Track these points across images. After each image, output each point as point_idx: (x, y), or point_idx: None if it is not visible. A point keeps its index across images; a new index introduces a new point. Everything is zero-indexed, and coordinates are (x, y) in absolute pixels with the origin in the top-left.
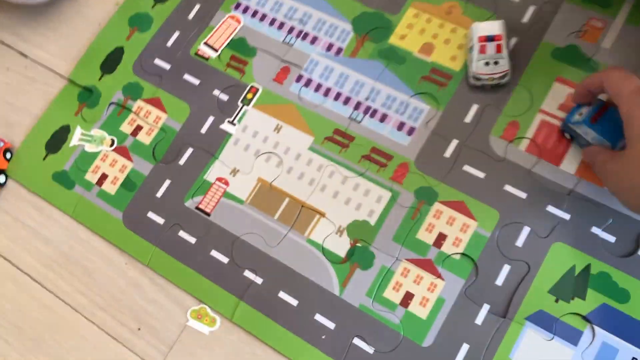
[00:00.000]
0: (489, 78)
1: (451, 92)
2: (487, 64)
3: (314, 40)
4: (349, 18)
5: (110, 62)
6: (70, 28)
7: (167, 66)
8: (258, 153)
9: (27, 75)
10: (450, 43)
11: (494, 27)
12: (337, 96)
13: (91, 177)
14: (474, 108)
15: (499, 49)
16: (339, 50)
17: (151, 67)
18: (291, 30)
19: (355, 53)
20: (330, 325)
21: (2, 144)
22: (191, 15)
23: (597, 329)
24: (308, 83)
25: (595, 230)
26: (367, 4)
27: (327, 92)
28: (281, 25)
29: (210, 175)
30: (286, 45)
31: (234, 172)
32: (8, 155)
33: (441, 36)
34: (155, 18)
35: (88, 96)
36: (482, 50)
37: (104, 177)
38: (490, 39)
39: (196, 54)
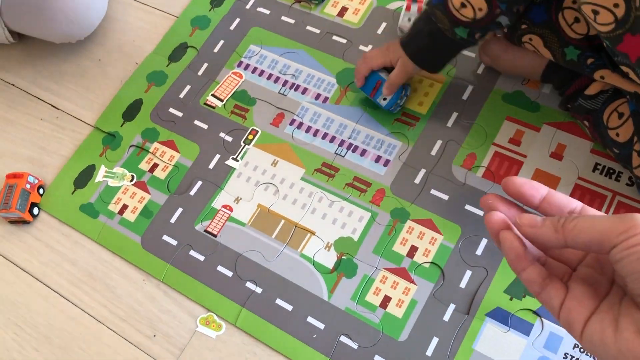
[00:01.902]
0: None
1: (419, 131)
2: (409, 19)
3: (304, 91)
4: (333, 73)
5: (131, 111)
6: (95, 84)
7: (180, 114)
8: (258, 184)
9: (58, 124)
10: (418, 91)
11: None
12: (325, 135)
13: (114, 207)
14: (439, 143)
15: (419, 9)
16: (326, 99)
17: (166, 115)
18: (285, 83)
19: (339, 101)
20: (320, 325)
21: (36, 181)
22: (200, 72)
23: (545, 321)
24: (300, 125)
25: None
26: (349, 60)
27: (316, 132)
28: (277, 80)
29: (217, 203)
30: (281, 95)
31: (237, 200)
32: (41, 191)
33: (410, 86)
34: (170, 74)
35: (111, 140)
36: (408, 8)
37: (124, 207)
38: (414, 0)
39: (205, 103)
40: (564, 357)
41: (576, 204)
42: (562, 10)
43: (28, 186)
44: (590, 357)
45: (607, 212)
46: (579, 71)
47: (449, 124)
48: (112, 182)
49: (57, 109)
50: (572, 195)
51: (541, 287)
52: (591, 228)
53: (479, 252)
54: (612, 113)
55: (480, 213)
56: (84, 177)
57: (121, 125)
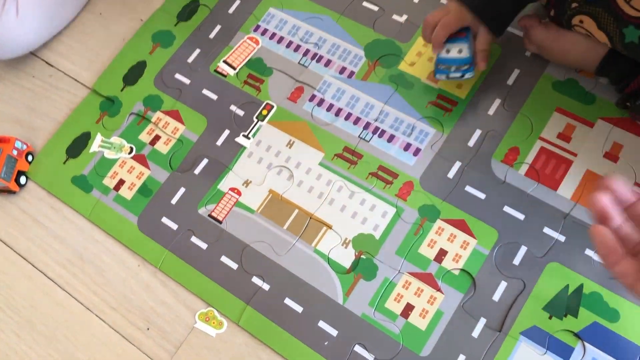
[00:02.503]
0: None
1: (456, 117)
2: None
3: (327, 63)
4: (362, 44)
5: (133, 75)
6: (96, 41)
7: (187, 81)
8: (270, 166)
9: (51, 84)
10: None
11: None
12: (348, 116)
13: (109, 182)
14: (477, 133)
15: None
16: (351, 74)
17: (172, 81)
18: (306, 52)
19: (366, 77)
20: (333, 332)
21: (25, 147)
22: (212, 35)
23: (587, 345)
24: (320, 103)
25: (588, 252)
26: (380, 31)
27: (339, 112)
28: (297, 48)
29: (224, 185)
30: (301, 67)
31: (247, 183)
32: (30, 158)
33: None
34: (178, 35)
35: (110, 106)
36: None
37: (121, 182)
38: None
39: (215, 70)
40: None
41: None
42: None
43: (15, 152)
44: None
45: None
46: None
47: (491, 111)
48: (108, 154)
49: (51, 65)
50: None
51: (636, 280)
52: None
53: (516, 261)
54: None
55: (521, 216)
56: (78, 146)
57: (121, 90)
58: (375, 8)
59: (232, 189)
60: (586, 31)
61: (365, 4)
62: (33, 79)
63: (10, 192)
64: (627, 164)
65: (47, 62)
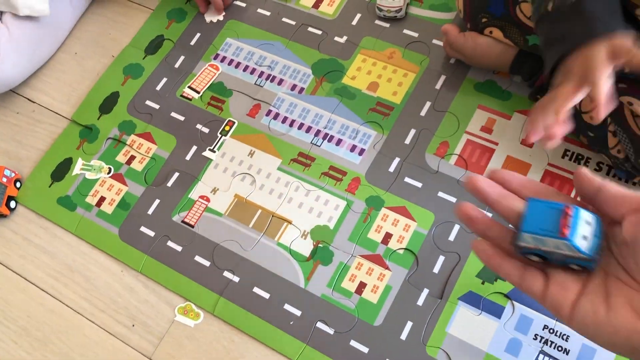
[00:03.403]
0: (387, 10)
1: (393, 120)
2: None
3: (280, 82)
4: (309, 64)
5: (108, 104)
6: (72, 77)
7: (156, 106)
8: (235, 174)
9: (34, 118)
10: (392, 81)
11: None
12: (301, 126)
13: (91, 200)
14: (412, 132)
15: None
16: (302, 90)
17: (143, 107)
18: (261, 74)
19: (314, 91)
20: (297, 312)
21: (13, 174)
22: (177, 64)
23: (516, 304)
24: (276, 116)
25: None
26: (324, 51)
27: (292, 123)
28: (253, 71)
29: (194, 194)
30: (257, 87)
31: (214, 190)
32: (18, 185)
33: (384, 76)
34: (146, 67)
35: (88, 133)
36: None
37: (102, 199)
38: None
39: (181, 95)
40: (534, 338)
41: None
42: (518, 4)
43: (4, 180)
44: (560, 337)
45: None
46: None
47: (423, 113)
48: (89, 175)
49: (33, 102)
50: (542, 180)
51: (520, 279)
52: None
53: (451, 238)
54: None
55: (453, 199)
56: (61, 170)
57: (98, 118)
58: (319, 32)
59: (202, 197)
60: (495, 39)
61: (310, 29)
62: (17, 115)
63: (2, 215)
64: (541, 148)
65: (29, 99)
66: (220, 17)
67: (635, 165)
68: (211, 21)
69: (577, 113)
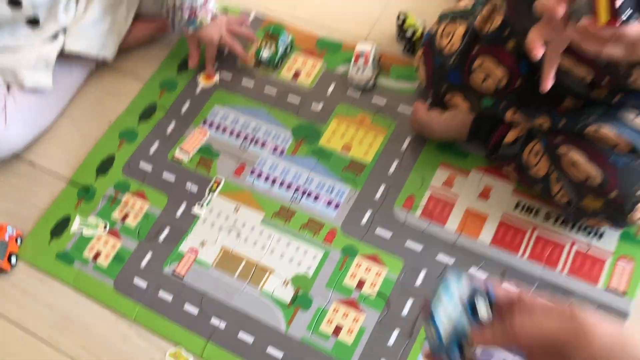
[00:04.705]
0: (358, 81)
1: (365, 177)
2: (356, 70)
3: (263, 144)
4: (289, 128)
5: (104, 166)
6: (71, 141)
7: (149, 168)
8: (221, 228)
9: (36, 179)
10: (363, 143)
11: (365, 47)
12: (282, 183)
13: (88, 254)
14: (382, 187)
15: (365, 62)
16: (282, 151)
17: (137, 168)
18: (246, 137)
19: (294, 152)
20: (279, 354)
21: (14, 232)
22: (169, 130)
23: None
24: (259, 175)
25: (472, 269)
26: (303, 117)
27: (274, 180)
28: (238, 135)
29: (184, 247)
30: (242, 149)
31: (203, 243)
32: (19, 241)
33: (357, 139)
34: (140, 132)
35: (85, 193)
36: (355, 60)
37: (98, 254)
38: (361, 54)
39: (173, 157)
40: None
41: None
42: (471, 73)
43: (7, 237)
44: None
45: (527, 245)
46: (496, 115)
47: (391, 171)
48: (86, 231)
49: (34, 165)
50: (497, 230)
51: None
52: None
53: (418, 282)
54: (530, 153)
55: (420, 247)
56: (60, 228)
57: (95, 179)
58: (298, 100)
59: (191, 249)
60: (455, 104)
61: (289, 98)
62: (20, 177)
63: (3, 271)
64: (496, 201)
65: (31, 162)
66: (215, 80)
67: (578, 206)
68: (202, 89)
69: (526, 168)
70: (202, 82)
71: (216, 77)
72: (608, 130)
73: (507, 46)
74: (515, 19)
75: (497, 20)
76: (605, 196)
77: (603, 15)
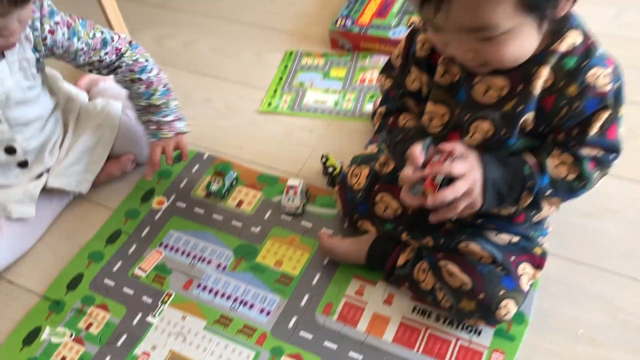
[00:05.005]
0: (289, 208)
1: (292, 288)
2: (288, 200)
3: (209, 261)
4: (231, 247)
5: (74, 283)
6: (46, 262)
7: (112, 283)
8: (170, 334)
9: (12, 295)
10: (292, 259)
11: (295, 182)
12: (223, 295)
13: (54, 359)
14: (306, 297)
15: (295, 193)
16: (225, 267)
17: (101, 284)
18: (195, 256)
19: (234, 269)
20: None
21: None
22: (130, 251)
23: None
24: (204, 288)
25: None
26: (243, 238)
27: (217, 292)
28: (188, 254)
29: (138, 351)
30: (191, 266)
31: (154, 347)
32: None
33: (287, 255)
34: (106, 254)
35: (56, 306)
36: (287, 191)
37: (63, 358)
38: (291, 187)
39: (132, 274)
40: None
41: None
42: (375, 204)
43: None
44: None
45: (421, 341)
46: (394, 236)
47: (314, 282)
48: (54, 339)
49: (13, 283)
50: (398, 330)
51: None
52: None
53: None
54: (419, 271)
55: (335, 347)
56: (31, 337)
57: (65, 294)
58: (240, 224)
59: (144, 353)
60: (365, 228)
61: (233, 222)
62: None
63: None
64: (398, 305)
65: (9, 280)
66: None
67: (457, 308)
68: (160, 215)
69: (417, 284)
70: (156, 205)
71: (165, 204)
72: (475, 246)
73: (399, 185)
74: (400, 167)
75: (391, 165)
76: (476, 298)
77: (430, 195)
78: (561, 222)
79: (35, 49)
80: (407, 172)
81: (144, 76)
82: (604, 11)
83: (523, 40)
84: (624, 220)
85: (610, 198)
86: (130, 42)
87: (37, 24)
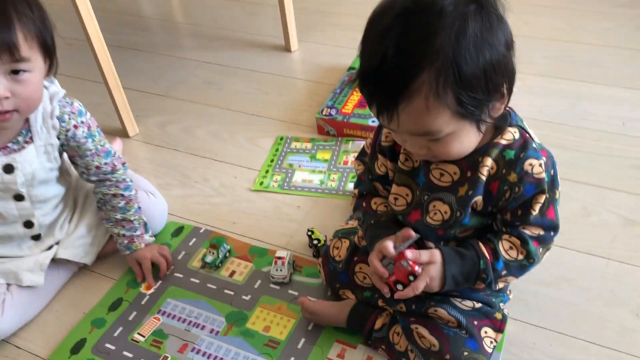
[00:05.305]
0: (277, 277)
1: (280, 352)
2: (276, 270)
3: (203, 327)
4: (223, 314)
5: (77, 347)
6: (51, 329)
7: (113, 347)
8: None
9: (18, 359)
10: (279, 325)
11: (283, 253)
12: (215, 358)
13: None
14: (292, 359)
15: (282, 264)
16: (217, 332)
17: (103, 348)
18: (189, 322)
19: (226, 333)
20: None
21: None
22: (130, 317)
23: None
24: (198, 351)
25: None
26: (235, 305)
27: (209, 355)
28: (184, 320)
29: None
30: (186, 331)
31: None
32: None
33: (275, 321)
34: (108, 320)
35: None
36: (275, 262)
37: None
38: (279, 258)
39: (132, 339)
40: None
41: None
42: (355, 274)
43: None
44: None
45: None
46: (371, 302)
47: (299, 346)
48: None
49: (20, 348)
50: None
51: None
52: None
53: None
54: (393, 334)
55: None
56: None
57: (68, 358)
58: (232, 293)
59: None
60: (346, 296)
61: (226, 291)
62: (5, 358)
63: None
64: None
65: (16, 346)
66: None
67: None
68: (157, 285)
69: (393, 346)
70: (144, 290)
71: (155, 286)
72: (442, 311)
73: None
74: (370, 249)
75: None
76: (443, 358)
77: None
78: (524, 290)
79: (58, 137)
80: (377, 268)
81: (126, 193)
82: (561, 102)
83: (464, 138)
84: (578, 288)
85: (566, 268)
86: (123, 163)
87: (66, 117)
